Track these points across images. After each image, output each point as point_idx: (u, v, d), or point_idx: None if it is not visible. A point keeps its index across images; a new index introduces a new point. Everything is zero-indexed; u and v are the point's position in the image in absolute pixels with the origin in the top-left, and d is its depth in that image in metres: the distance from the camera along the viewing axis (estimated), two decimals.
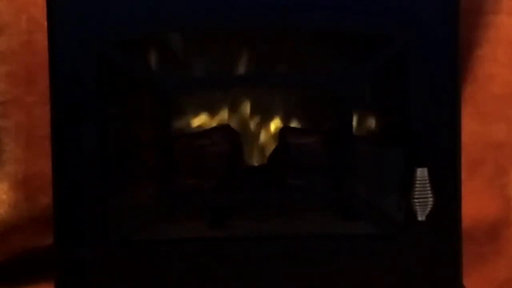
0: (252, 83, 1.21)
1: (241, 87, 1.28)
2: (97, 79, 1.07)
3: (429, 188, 1.07)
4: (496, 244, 1.46)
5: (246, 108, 1.32)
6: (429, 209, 1.08)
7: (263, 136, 1.33)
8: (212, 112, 1.31)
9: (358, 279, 1.12)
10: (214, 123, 1.30)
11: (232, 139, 1.27)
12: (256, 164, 1.32)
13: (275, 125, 1.33)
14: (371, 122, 1.24)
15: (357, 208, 1.14)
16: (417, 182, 1.07)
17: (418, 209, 1.08)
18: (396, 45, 1.09)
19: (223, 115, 1.31)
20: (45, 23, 1.08)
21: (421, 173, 1.07)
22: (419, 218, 1.08)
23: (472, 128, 1.43)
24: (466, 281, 1.14)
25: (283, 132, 1.29)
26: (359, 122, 1.22)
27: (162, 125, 1.12)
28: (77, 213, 1.09)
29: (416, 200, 1.08)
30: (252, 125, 1.33)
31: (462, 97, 1.24)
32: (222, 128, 1.28)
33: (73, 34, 1.07)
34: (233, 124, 1.30)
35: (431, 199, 1.08)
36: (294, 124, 1.31)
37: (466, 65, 1.44)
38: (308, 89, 1.29)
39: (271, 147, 1.31)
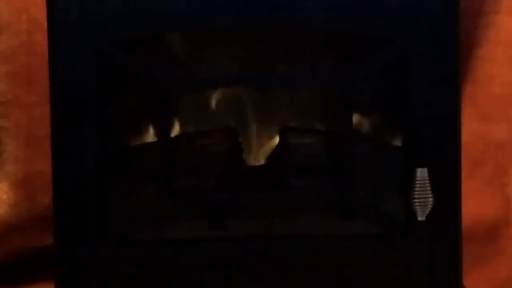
0: (252, 83, 1.21)
1: (241, 87, 1.28)
2: (97, 79, 1.08)
3: (429, 188, 1.07)
4: (496, 244, 1.46)
5: (246, 108, 1.32)
6: (429, 209, 1.08)
7: (263, 136, 1.33)
8: (212, 112, 1.31)
9: (358, 279, 1.12)
10: (214, 123, 1.30)
11: (232, 139, 1.26)
12: (256, 164, 1.32)
13: (275, 125, 1.33)
14: (371, 122, 1.24)
15: (357, 208, 1.14)
16: (417, 182, 1.07)
17: (418, 209, 1.08)
18: (396, 45, 1.09)
19: (223, 115, 1.31)
20: (45, 23, 1.08)
21: (421, 173, 1.07)
22: (419, 218, 1.08)
23: (472, 128, 1.43)
24: (466, 281, 1.14)
25: (283, 132, 1.29)
26: (359, 122, 1.22)
27: (162, 125, 1.12)
28: (77, 213, 1.09)
29: (416, 200, 1.08)
30: (252, 125, 1.33)
31: (462, 97, 1.24)
32: (222, 128, 1.28)
33: (73, 34, 1.07)
34: (233, 124, 1.30)
35: (431, 199, 1.08)
36: (294, 124, 1.31)
37: (466, 65, 1.44)
38: (308, 89, 1.29)
39: (271, 147, 1.31)
